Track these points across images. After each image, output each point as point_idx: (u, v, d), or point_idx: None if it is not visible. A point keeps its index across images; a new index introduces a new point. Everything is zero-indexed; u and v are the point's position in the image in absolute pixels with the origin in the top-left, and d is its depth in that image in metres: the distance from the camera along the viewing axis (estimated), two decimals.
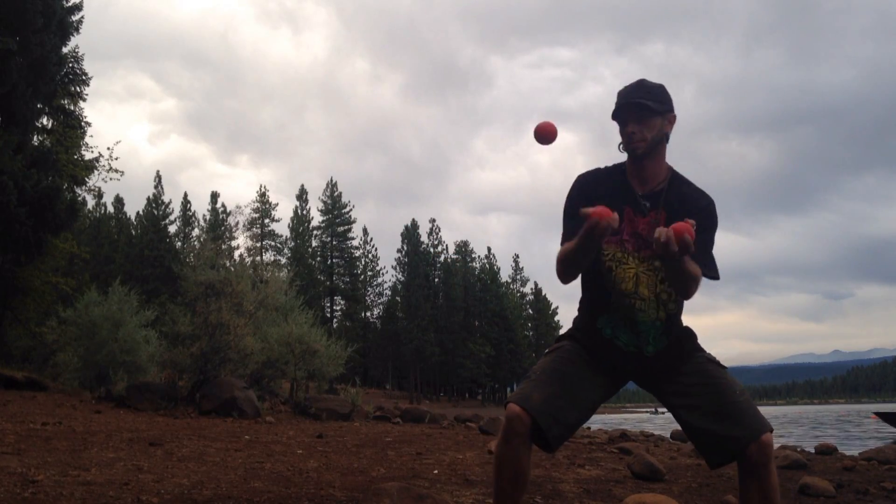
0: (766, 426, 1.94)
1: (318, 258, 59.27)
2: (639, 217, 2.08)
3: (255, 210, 54.19)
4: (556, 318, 73.27)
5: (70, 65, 18.26)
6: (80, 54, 18.86)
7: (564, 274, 2.08)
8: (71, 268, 21.49)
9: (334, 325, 55.91)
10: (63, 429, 6.44)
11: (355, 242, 61.45)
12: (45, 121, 18.13)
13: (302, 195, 59.86)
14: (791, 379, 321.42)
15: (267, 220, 55.06)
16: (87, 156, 19.82)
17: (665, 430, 15.87)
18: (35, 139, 16.56)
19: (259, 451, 5.56)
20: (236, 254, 34.54)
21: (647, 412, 71.56)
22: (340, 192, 61.35)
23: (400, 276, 61.10)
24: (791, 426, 23.35)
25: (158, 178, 50.39)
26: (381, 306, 63.43)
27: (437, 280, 63.05)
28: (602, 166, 2.22)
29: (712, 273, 2.04)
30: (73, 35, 16.58)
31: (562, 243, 2.11)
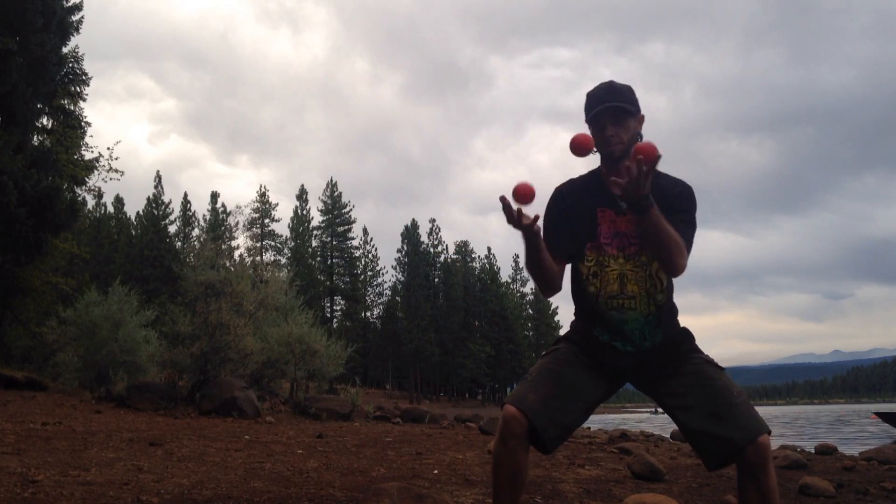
0: (763, 428, 1.94)
1: (318, 258, 59.29)
2: (620, 217, 2.11)
3: (255, 210, 54.28)
4: (556, 318, 73.28)
5: (70, 65, 18.26)
6: (80, 54, 18.86)
7: (541, 289, 2.16)
8: (71, 268, 21.49)
9: (334, 325, 55.92)
10: (63, 429, 6.44)
11: (355, 242, 61.57)
12: (45, 121, 18.13)
13: (302, 195, 59.92)
14: (791, 379, 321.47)
15: (267, 220, 55.14)
16: (87, 156, 19.83)
17: (665, 430, 15.86)
18: (35, 139, 16.56)
19: (259, 451, 5.56)
20: (236, 254, 34.61)
21: (647, 412, 71.55)
22: (340, 192, 61.45)
23: (400, 276, 61.14)
24: (791, 426, 23.34)
25: (158, 178, 50.46)
26: (381, 306, 63.50)
27: (437, 280, 63.04)
28: (576, 176, 2.25)
29: (687, 246, 2.04)
30: (73, 35, 16.58)
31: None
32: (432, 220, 65.34)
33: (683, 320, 2.20)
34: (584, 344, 2.18)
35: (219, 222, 52.18)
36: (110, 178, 20.37)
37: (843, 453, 8.13)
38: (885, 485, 4.85)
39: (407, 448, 6.44)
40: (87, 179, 19.64)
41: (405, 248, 61.08)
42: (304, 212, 59.37)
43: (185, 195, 52.61)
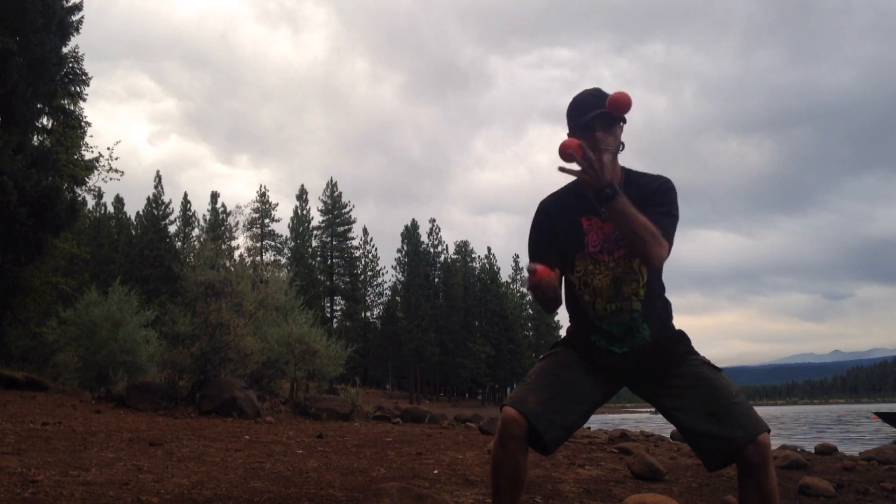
0: (762, 426, 1.94)
1: (318, 258, 59.31)
2: (606, 223, 2.10)
3: (255, 210, 54.28)
4: (556, 318, 73.23)
5: (70, 65, 18.27)
6: (80, 54, 18.88)
7: (547, 309, 2.15)
8: (71, 268, 21.47)
9: (334, 325, 55.92)
10: (63, 429, 6.44)
11: (355, 242, 61.59)
12: (45, 121, 18.13)
13: (302, 195, 59.95)
14: (791, 379, 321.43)
15: (267, 220, 55.15)
16: (87, 156, 19.83)
17: (665, 430, 15.86)
18: (35, 139, 16.56)
19: (259, 451, 5.56)
20: (236, 254, 34.61)
21: (647, 412, 71.54)
22: (340, 192, 61.47)
23: (400, 276, 61.14)
24: (791, 426, 23.34)
25: (158, 178, 50.50)
26: (381, 306, 63.50)
27: (437, 280, 63.04)
28: (558, 189, 2.25)
29: (668, 237, 2.04)
30: (73, 35, 16.59)
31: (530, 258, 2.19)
32: (432, 220, 65.45)
33: (684, 320, 2.21)
34: (582, 348, 2.19)
35: (219, 222, 52.20)
36: (110, 178, 20.39)
37: (843, 453, 8.13)
38: (885, 485, 4.85)
39: (407, 448, 6.44)
40: (87, 179, 19.65)
41: (405, 248, 61.08)
42: (304, 212, 59.41)
43: (185, 195, 52.72)
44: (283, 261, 50.09)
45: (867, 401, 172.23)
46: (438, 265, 64.01)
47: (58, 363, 12.70)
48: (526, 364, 64.08)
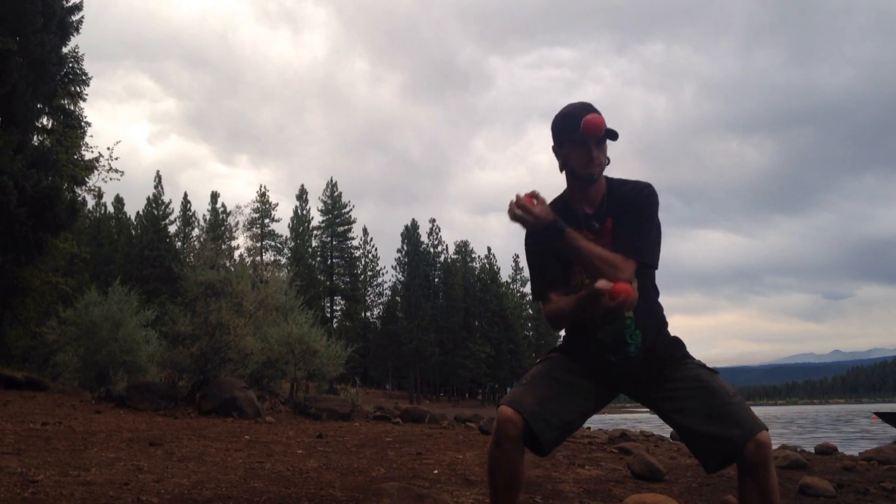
0: (760, 425, 1.94)
1: (318, 258, 59.31)
2: (595, 236, 2.11)
3: (255, 210, 54.27)
4: None
5: (70, 65, 18.28)
6: (80, 54, 18.90)
7: (558, 327, 2.17)
8: (71, 268, 21.48)
9: (334, 325, 55.93)
10: (63, 429, 6.44)
11: (355, 242, 61.59)
12: (45, 121, 18.14)
13: (302, 195, 59.94)
14: (791, 379, 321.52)
15: (267, 220, 55.13)
16: (87, 156, 19.86)
17: (665, 430, 15.87)
18: (35, 139, 16.56)
19: (259, 451, 5.56)
20: (236, 254, 34.62)
21: (647, 412, 71.48)
22: (340, 192, 61.47)
23: (400, 276, 61.14)
24: (791, 426, 23.34)
25: (158, 178, 50.49)
26: (381, 306, 63.51)
27: (437, 280, 63.04)
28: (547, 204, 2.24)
29: (647, 257, 2.05)
30: (73, 35, 16.59)
31: (536, 291, 2.20)
32: (432, 220, 65.44)
33: (684, 320, 2.23)
34: (578, 356, 2.19)
35: (219, 222, 52.20)
36: (110, 178, 20.41)
37: (843, 453, 8.13)
38: (885, 485, 4.85)
39: (407, 448, 6.44)
40: (87, 179, 19.67)
41: (405, 248, 61.08)
42: (304, 212, 59.40)
43: (185, 195, 52.71)
44: (283, 261, 50.15)
45: (867, 401, 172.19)
46: (438, 265, 64.01)
47: (58, 363, 12.70)
48: (526, 364, 64.09)
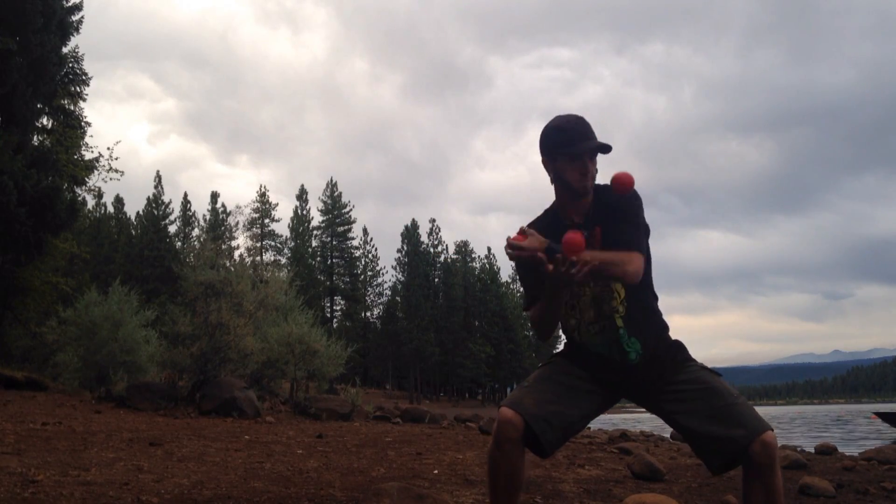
0: (765, 425, 1.94)
1: (318, 258, 59.29)
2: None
3: (255, 210, 54.23)
4: None
5: (70, 65, 18.27)
6: (80, 54, 18.88)
7: (542, 335, 2.16)
8: (71, 268, 21.48)
9: (334, 325, 55.92)
10: (63, 429, 6.44)
11: (355, 242, 61.56)
12: (45, 121, 18.15)
13: (302, 195, 59.92)
14: (791, 379, 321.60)
15: (267, 220, 55.09)
16: (87, 156, 19.85)
17: (665, 430, 15.87)
18: (35, 139, 16.56)
19: (259, 451, 5.56)
20: (236, 254, 34.54)
21: (646, 412, 71.46)
22: (340, 192, 61.44)
23: (400, 276, 61.12)
24: (791, 426, 23.34)
25: (158, 178, 50.47)
26: (381, 306, 63.48)
27: (437, 280, 63.04)
28: (533, 219, 2.25)
29: (643, 248, 2.06)
30: (73, 35, 16.59)
31: (526, 307, 2.20)
32: (432, 220, 65.42)
33: (684, 320, 2.24)
34: (579, 362, 2.20)
35: (219, 222, 52.17)
36: (110, 178, 20.41)
37: (843, 453, 8.12)
38: (885, 485, 4.85)
39: (407, 448, 6.44)
40: (87, 179, 19.66)
41: (405, 248, 61.07)
42: (304, 212, 59.39)
43: (185, 195, 52.67)
44: (283, 261, 50.10)
45: (867, 401, 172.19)
46: (438, 265, 64.00)
47: (58, 363, 12.70)
48: (526, 364, 64.09)
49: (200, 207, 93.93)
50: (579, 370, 2.17)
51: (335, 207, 60.69)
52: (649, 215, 2.14)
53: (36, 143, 16.27)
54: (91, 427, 6.74)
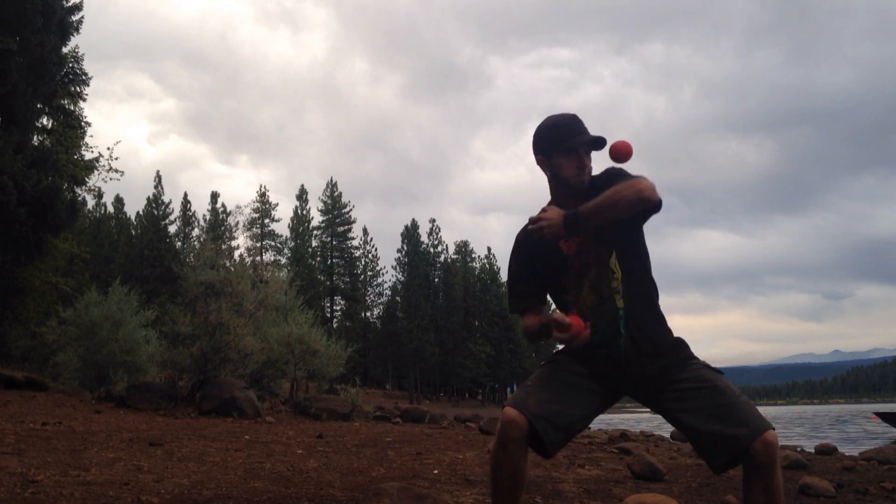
0: (767, 424, 1.94)
1: (318, 258, 59.32)
2: (580, 238, 2.14)
3: (255, 210, 54.24)
4: None
5: (70, 65, 18.29)
6: (80, 54, 18.90)
7: (532, 341, 2.21)
8: (71, 268, 21.49)
9: (334, 325, 55.93)
10: (63, 429, 6.44)
11: (355, 242, 61.59)
12: (45, 121, 18.16)
13: (302, 195, 59.94)
14: (791, 379, 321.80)
15: (267, 220, 55.11)
16: (87, 156, 19.86)
17: (665, 430, 15.87)
18: (35, 139, 16.57)
19: (259, 451, 5.56)
20: (236, 254, 34.54)
21: (647, 412, 71.48)
22: (340, 192, 61.48)
23: (400, 276, 61.15)
24: (791, 426, 23.35)
25: (158, 178, 50.49)
26: (381, 306, 63.51)
27: (437, 280, 63.06)
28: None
29: (637, 177, 2.07)
30: (73, 35, 16.61)
31: (513, 304, 2.29)
32: (432, 220, 65.46)
33: (684, 320, 2.24)
34: (580, 356, 2.19)
35: (219, 222, 52.20)
36: (110, 178, 20.42)
37: (843, 453, 8.12)
38: (885, 485, 4.85)
39: (407, 448, 6.44)
40: (87, 179, 19.67)
41: (405, 248, 61.09)
42: (304, 212, 59.40)
43: (185, 195, 52.71)
44: (283, 261, 50.11)
45: (867, 401, 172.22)
46: (438, 265, 64.03)
47: (58, 363, 12.71)
48: (526, 364, 64.11)
49: (200, 207, 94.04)
50: (581, 368, 2.16)
51: (335, 207, 60.70)
52: None
53: (36, 143, 16.28)
54: (91, 427, 6.74)
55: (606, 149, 2.12)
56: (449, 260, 65.56)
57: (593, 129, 2.17)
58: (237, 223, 51.55)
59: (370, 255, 61.99)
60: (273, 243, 55.42)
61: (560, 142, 2.11)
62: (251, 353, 11.33)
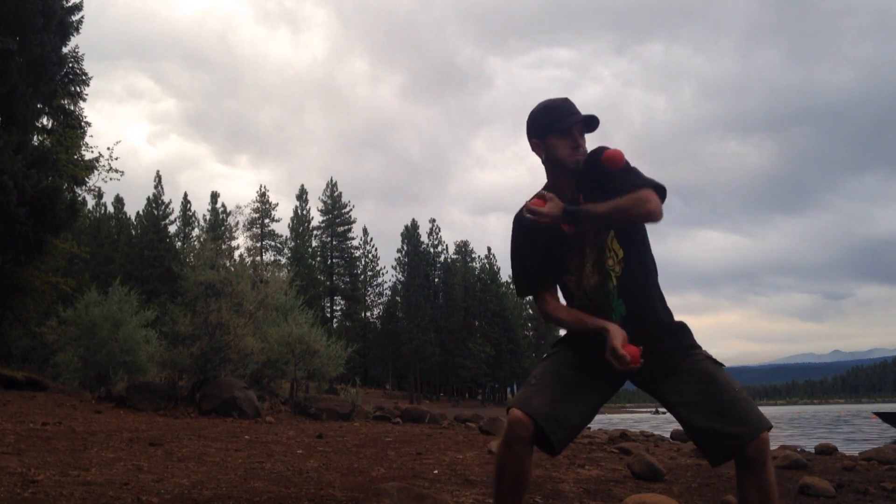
0: (766, 423, 1.94)
1: (318, 258, 59.31)
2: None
3: (255, 210, 54.22)
4: None
5: (70, 65, 18.27)
6: (80, 54, 18.89)
7: (553, 324, 2.25)
8: (71, 268, 21.49)
9: (334, 325, 55.93)
10: (63, 429, 6.44)
11: (355, 242, 61.59)
12: (45, 121, 18.15)
13: (302, 195, 59.93)
14: (791, 379, 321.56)
15: (267, 220, 55.08)
16: (87, 156, 19.85)
17: (665, 430, 15.87)
18: (35, 139, 16.57)
19: (259, 451, 5.56)
20: (236, 254, 34.53)
21: (647, 412, 71.53)
22: (340, 192, 61.47)
23: (400, 276, 61.16)
24: (791, 426, 23.34)
25: (158, 178, 50.50)
26: (381, 306, 63.53)
27: (437, 280, 63.06)
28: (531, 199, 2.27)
29: (654, 183, 2.06)
30: (73, 35, 16.60)
31: (523, 287, 2.26)
32: (432, 221, 65.47)
33: (685, 320, 2.19)
34: (583, 342, 2.18)
35: (219, 222, 52.19)
36: (110, 178, 20.40)
37: (843, 453, 8.12)
38: (885, 485, 4.85)
39: (407, 448, 6.44)
40: (87, 179, 19.66)
41: (405, 248, 61.10)
42: (304, 212, 59.39)
43: (185, 195, 52.73)
44: (283, 261, 50.09)
45: (867, 401, 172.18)
46: (438, 265, 64.02)
47: (58, 363, 12.71)
48: (526, 364, 64.09)
49: (200, 207, 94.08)
50: (582, 357, 2.16)
51: (335, 207, 60.70)
52: None
53: (36, 143, 16.27)
54: (91, 427, 6.74)
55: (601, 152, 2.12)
56: (449, 260, 65.57)
57: (593, 134, 2.17)
58: (237, 223, 51.56)
59: (370, 255, 62.05)
60: (273, 243, 55.44)
61: (553, 123, 2.13)
62: (251, 353, 11.32)
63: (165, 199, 49.82)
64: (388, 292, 63.25)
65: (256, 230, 54.09)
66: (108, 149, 22.70)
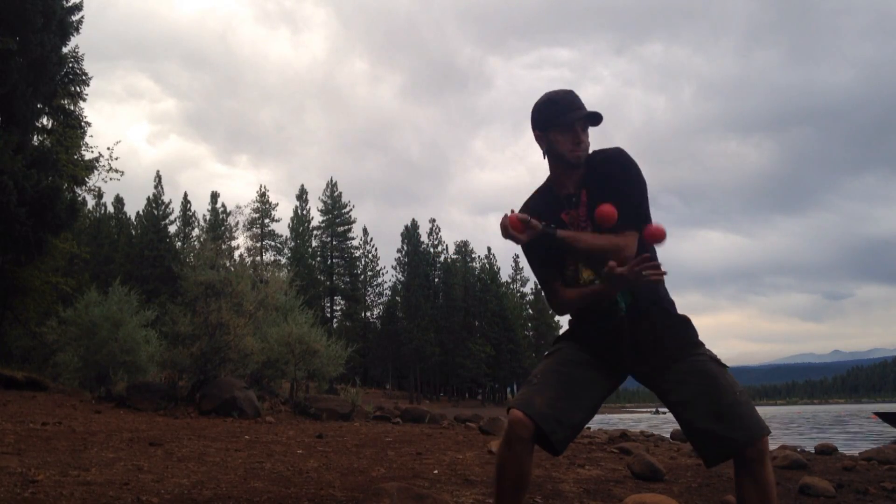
0: (764, 429, 1.94)
1: (318, 258, 59.34)
2: (573, 210, 2.15)
3: (255, 210, 54.27)
4: (556, 318, 73.21)
5: (70, 65, 18.27)
6: (80, 54, 18.88)
7: (562, 313, 2.20)
8: (71, 268, 21.49)
9: (334, 325, 55.95)
10: (63, 429, 6.44)
11: (355, 242, 61.64)
12: (45, 121, 18.15)
13: (302, 195, 59.97)
14: (791, 379, 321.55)
15: (267, 220, 55.13)
16: (87, 156, 19.85)
17: (665, 430, 15.87)
18: (35, 139, 16.57)
19: (259, 451, 5.56)
20: (236, 254, 34.54)
21: (647, 412, 71.53)
22: (340, 192, 61.52)
23: (400, 276, 61.19)
24: (791, 426, 23.34)
25: (158, 178, 50.53)
26: (381, 306, 63.55)
27: (437, 280, 63.08)
28: (528, 197, 2.27)
29: (638, 221, 2.05)
30: (73, 35, 16.59)
31: (546, 285, 2.19)
32: (432, 221, 65.52)
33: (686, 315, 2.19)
34: (583, 337, 2.18)
35: (219, 222, 52.21)
36: (110, 178, 20.41)
37: (843, 453, 8.12)
38: (885, 485, 4.85)
39: (407, 448, 6.44)
40: (87, 179, 19.66)
41: (405, 248, 61.12)
42: (304, 212, 59.43)
43: (185, 195, 52.75)
44: (283, 261, 50.11)
45: (867, 401, 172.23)
46: (438, 265, 64.05)
47: (58, 363, 12.71)
48: (526, 364, 64.10)
49: (200, 207, 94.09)
50: (583, 354, 2.16)
51: (335, 207, 60.73)
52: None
53: (36, 143, 16.27)
54: (91, 427, 6.74)
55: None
56: (449, 260, 65.59)
57: (594, 130, 2.18)
58: (237, 223, 51.58)
59: (370, 255, 62.08)
60: (273, 243, 55.49)
61: (556, 117, 2.12)
62: (251, 353, 11.33)
63: (165, 199, 49.93)
64: (388, 292, 63.38)
65: (256, 230, 54.14)
66: (108, 149, 22.74)
